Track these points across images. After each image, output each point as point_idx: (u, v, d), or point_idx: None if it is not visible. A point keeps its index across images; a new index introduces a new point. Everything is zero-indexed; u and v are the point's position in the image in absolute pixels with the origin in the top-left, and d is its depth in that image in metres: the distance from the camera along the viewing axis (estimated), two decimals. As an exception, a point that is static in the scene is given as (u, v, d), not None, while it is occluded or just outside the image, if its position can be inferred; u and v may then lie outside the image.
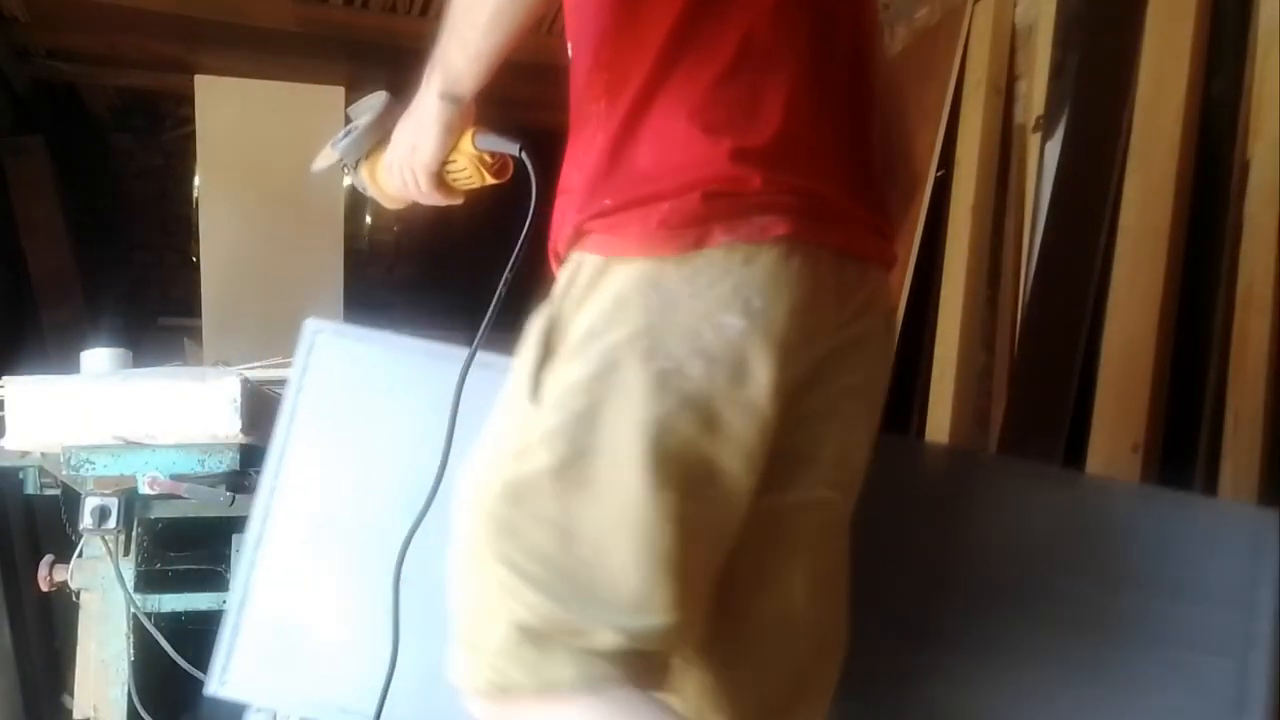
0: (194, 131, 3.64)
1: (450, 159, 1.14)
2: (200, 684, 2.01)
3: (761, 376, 0.93)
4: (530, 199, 1.13)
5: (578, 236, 1.00)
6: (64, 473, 1.82)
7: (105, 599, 2.06)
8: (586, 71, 1.05)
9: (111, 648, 2.04)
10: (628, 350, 0.92)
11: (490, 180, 1.17)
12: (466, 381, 1.17)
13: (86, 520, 1.85)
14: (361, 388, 1.48)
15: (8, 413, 1.76)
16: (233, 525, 2.15)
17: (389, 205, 1.31)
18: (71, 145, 4.68)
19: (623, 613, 0.92)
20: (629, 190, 0.96)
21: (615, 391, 0.92)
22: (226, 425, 1.72)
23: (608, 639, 0.92)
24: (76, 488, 1.85)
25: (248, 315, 3.40)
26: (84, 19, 3.68)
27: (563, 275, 1.02)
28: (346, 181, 4.18)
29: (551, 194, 1.11)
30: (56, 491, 2.03)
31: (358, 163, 1.22)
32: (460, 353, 1.19)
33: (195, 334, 3.53)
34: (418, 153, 1.14)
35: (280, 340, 3.08)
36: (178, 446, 1.77)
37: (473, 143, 1.12)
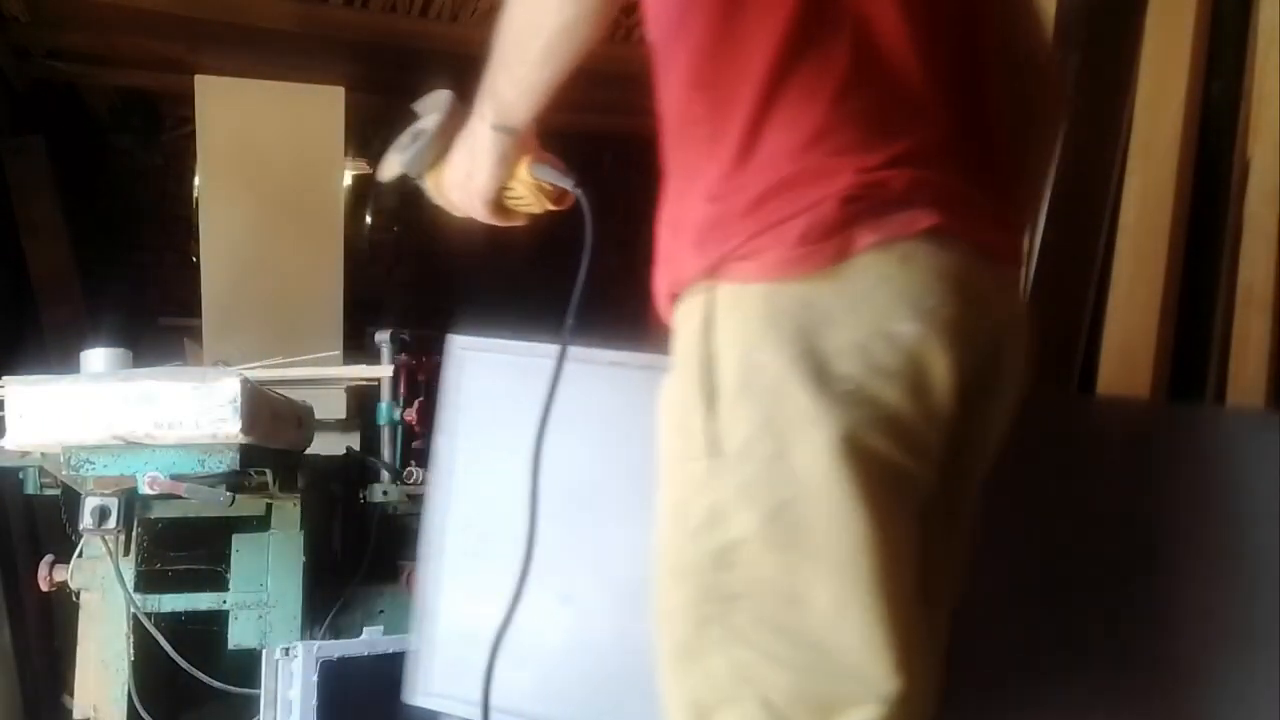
0: (194, 131, 3.63)
1: (509, 185, 1.13)
2: (200, 684, 2.02)
3: (944, 380, 0.86)
4: (585, 234, 1.15)
5: (706, 274, 0.91)
6: (64, 473, 1.82)
7: (105, 599, 2.06)
8: (683, 89, 0.99)
9: (111, 648, 2.04)
10: (795, 381, 0.84)
11: (550, 207, 1.17)
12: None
13: (86, 520, 1.85)
14: (510, 397, 1.50)
15: (8, 413, 1.76)
16: (233, 525, 2.16)
17: (457, 214, 1.25)
18: (71, 145, 4.68)
19: (875, 678, 0.84)
20: (756, 220, 0.88)
21: (797, 427, 0.84)
22: (226, 425, 1.72)
23: (866, 713, 0.84)
24: (76, 488, 1.85)
25: (248, 315, 3.40)
26: (84, 19, 3.68)
27: (693, 314, 0.92)
28: (346, 180, 4.17)
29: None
30: (56, 491, 2.03)
31: (422, 173, 1.20)
32: (599, 354, 1.15)
33: (195, 334, 3.52)
34: (473, 181, 1.12)
35: (280, 340, 3.09)
36: (178, 446, 1.77)
37: (530, 173, 1.12)
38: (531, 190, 1.13)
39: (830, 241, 0.85)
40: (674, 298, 0.97)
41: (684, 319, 0.93)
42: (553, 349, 1.30)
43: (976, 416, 0.93)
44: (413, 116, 1.20)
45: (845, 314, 0.84)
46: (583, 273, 1.14)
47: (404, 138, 1.19)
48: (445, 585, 1.47)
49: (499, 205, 1.15)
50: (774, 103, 0.89)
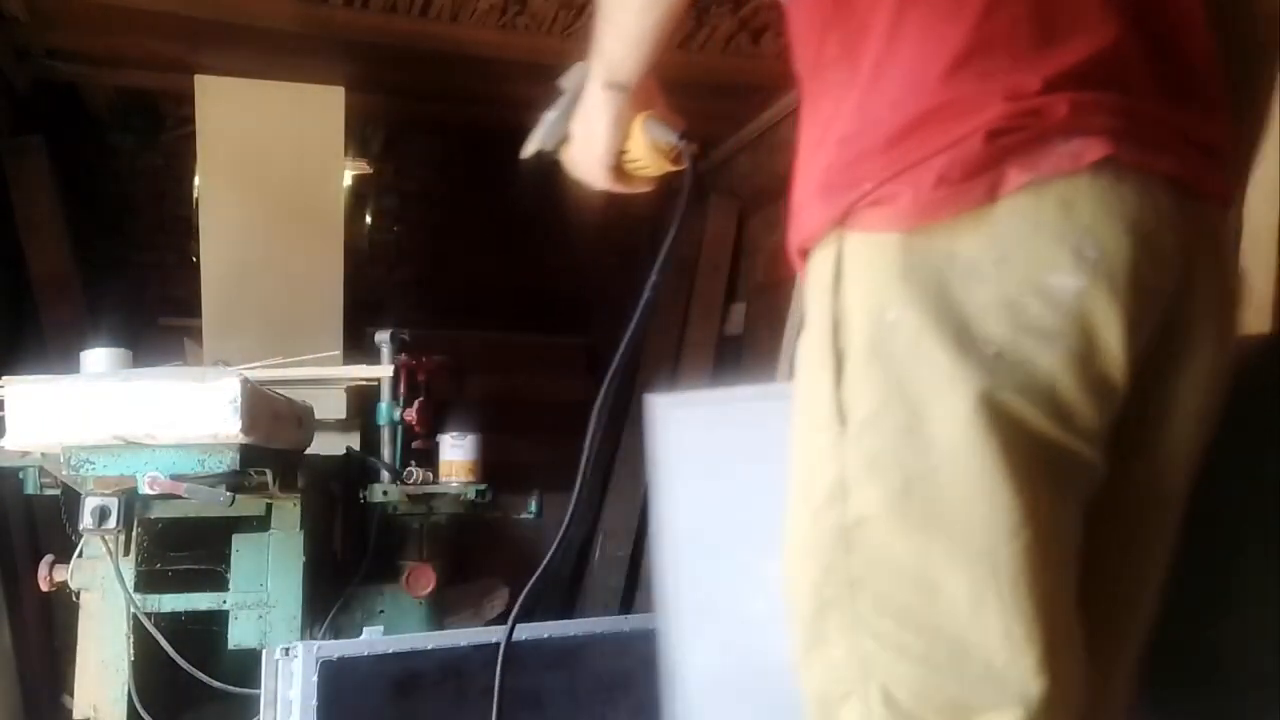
0: (194, 131, 3.63)
1: (626, 148, 1.08)
2: (200, 684, 2.02)
3: (1113, 342, 0.73)
4: (683, 191, 1.07)
5: (837, 220, 0.81)
6: (64, 473, 1.82)
7: (105, 599, 2.06)
8: (816, 32, 0.88)
9: (111, 648, 2.04)
10: (932, 342, 0.73)
11: (670, 167, 1.10)
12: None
13: (86, 520, 1.85)
14: (713, 447, 1.47)
15: (8, 413, 1.76)
16: (233, 525, 2.16)
17: (587, 185, 1.19)
18: (71, 145, 4.68)
19: (1015, 678, 0.73)
20: (890, 156, 0.77)
21: (933, 394, 0.74)
22: (226, 425, 1.72)
23: (1004, 718, 0.74)
24: (76, 488, 1.85)
25: (248, 315, 3.40)
26: (84, 19, 3.67)
27: (822, 270, 0.82)
28: (346, 180, 4.17)
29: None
30: (56, 491, 2.03)
31: (557, 146, 1.16)
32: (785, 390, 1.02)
33: (195, 334, 3.52)
34: (591, 146, 1.07)
35: (280, 340, 3.09)
36: (178, 446, 1.77)
37: (643, 130, 1.06)
38: (647, 151, 1.07)
39: (975, 182, 0.73)
40: (804, 254, 0.87)
41: (813, 276, 0.84)
42: (749, 390, 1.28)
43: (1161, 392, 0.80)
44: (557, 92, 1.14)
45: (992, 266, 0.73)
46: (678, 222, 1.08)
47: (545, 113, 1.16)
48: (688, 642, 1.45)
49: (620, 170, 1.10)
50: (909, 24, 0.78)
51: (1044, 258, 0.73)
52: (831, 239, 0.81)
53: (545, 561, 1.09)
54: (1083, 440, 0.75)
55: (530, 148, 1.18)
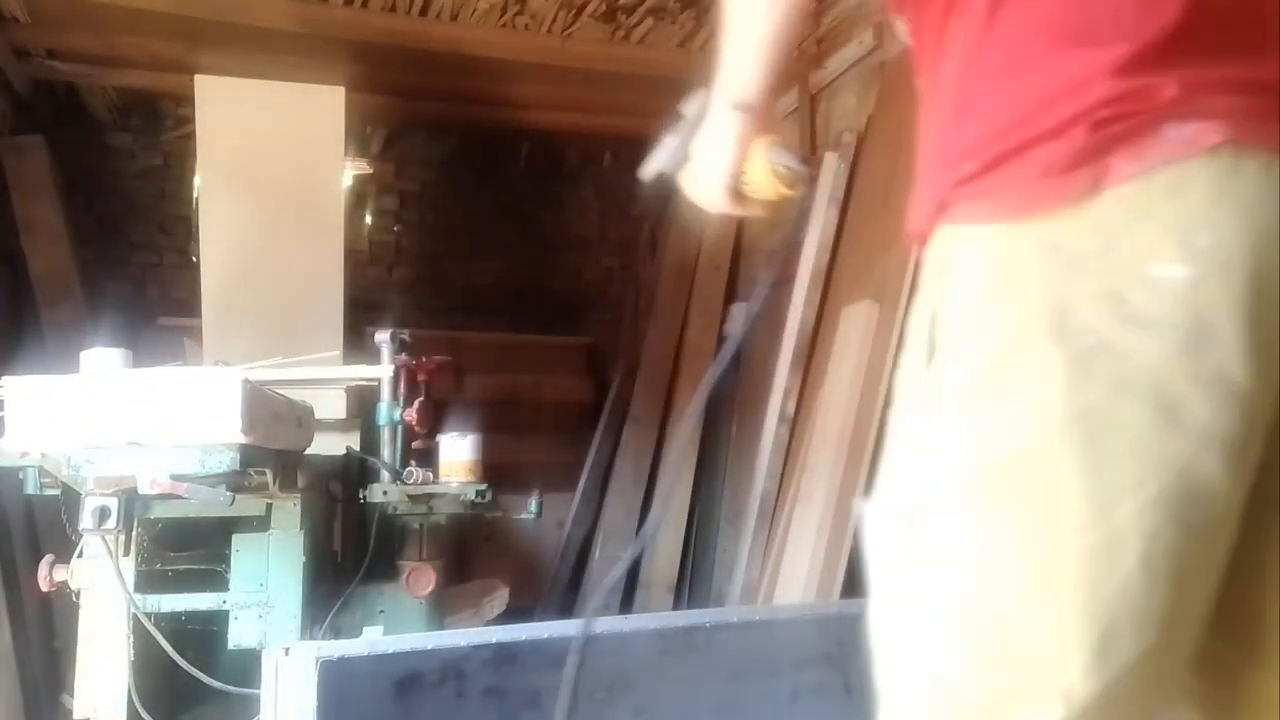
0: (194, 131, 3.63)
1: (745, 171, 1.10)
2: (200, 684, 2.02)
3: (1229, 335, 0.68)
4: (800, 216, 1.09)
5: (940, 210, 0.81)
6: (64, 473, 1.82)
7: (105, 599, 2.06)
8: (938, 5, 0.84)
9: (111, 648, 2.04)
10: (1029, 333, 0.71)
11: (785, 192, 1.10)
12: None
13: (86, 520, 1.85)
14: None
15: (7, 413, 1.76)
16: (233, 525, 2.16)
17: (705, 208, 1.20)
18: (71, 145, 4.68)
19: (1062, 675, 0.71)
20: (991, 144, 0.76)
21: (1023, 386, 0.72)
22: (226, 425, 1.72)
23: (1046, 712, 0.71)
24: (76, 488, 1.85)
25: (248, 315, 3.40)
26: (84, 19, 3.67)
27: (931, 258, 0.82)
28: (346, 180, 4.16)
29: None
30: (56, 491, 2.03)
31: (677, 170, 1.19)
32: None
33: (195, 334, 3.52)
34: (713, 168, 1.08)
35: (280, 340, 3.09)
36: (177, 447, 1.77)
37: (765, 154, 1.07)
38: (766, 175, 1.08)
39: (1079, 173, 0.71)
40: (921, 240, 0.86)
41: (924, 267, 0.84)
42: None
43: None
44: (677, 118, 1.17)
45: (1095, 257, 0.71)
46: (779, 260, 1.09)
47: (665, 138, 1.18)
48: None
49: (738, 194, 1.11)
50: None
51: (1149, 247, 0.70)
52: (942, 228, 0.81)
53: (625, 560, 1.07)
54: (1190, 440, 0.69)
55: (650, 170, 1.20)
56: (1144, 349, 0.69)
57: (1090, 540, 0.70)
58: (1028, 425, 0.72)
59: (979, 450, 0.74)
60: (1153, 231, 0.70)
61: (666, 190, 1.20)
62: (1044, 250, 0.72)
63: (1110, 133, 0.71)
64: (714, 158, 1.06)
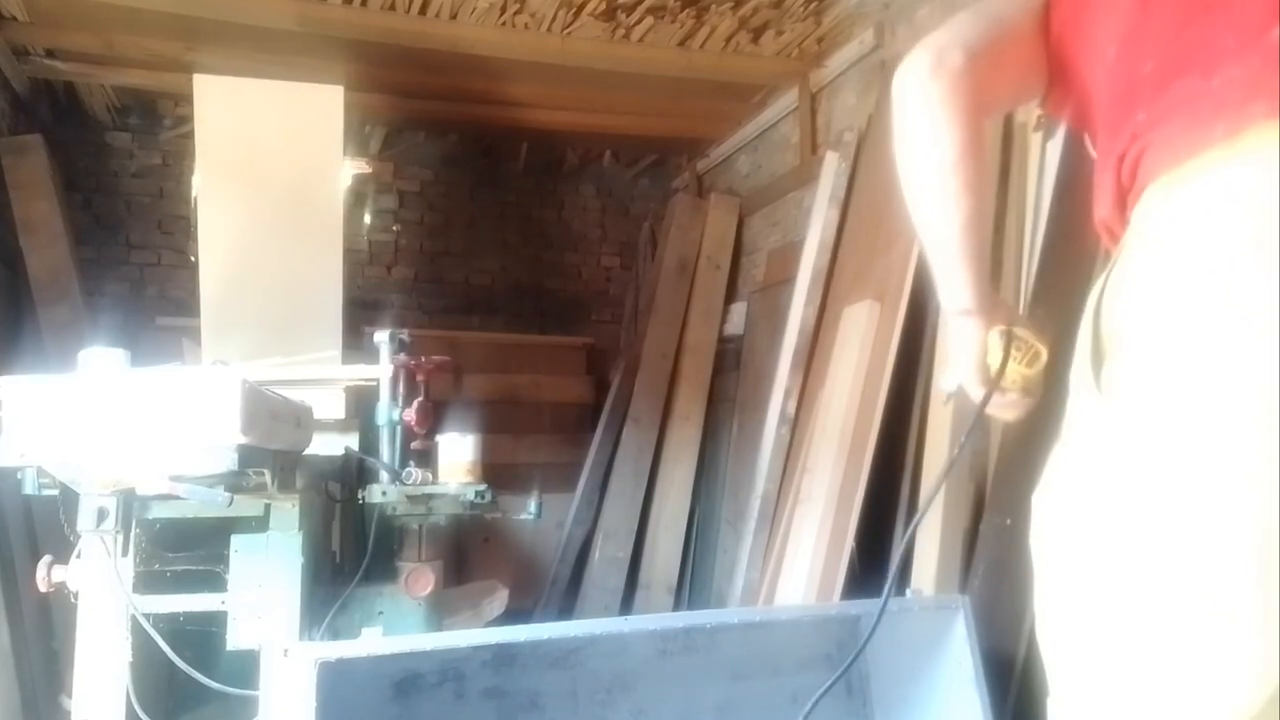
0: (193, 131, 3.62)
1: (990, 363, 1.14)
2: (199, 684, 2.01)
3: None
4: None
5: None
6: (62, 473, 1.81)
7: (103, 600, 2.05)
8: None
9: (110, 648, 2.04)
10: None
11: (1027, 372, 1.13)
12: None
13: (85, 521, 1.84)
14: None
15: (6, 413, 1.75)
16: (231, 525, 2.15)
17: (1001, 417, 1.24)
18: (70, 144, 4.68)
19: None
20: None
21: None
22: (225, 425, 1.71)
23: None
24: (75, 488, 1.84)
25: (246, 315, 3.39)
26: (83, 19, 3.67)
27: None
28: (346, 180, 4.14)
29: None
30: (55, 492, 2.02)
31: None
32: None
33: (194, 334, 3.51)
34: (965, 373, 1.15)
35: (279, 340, 3.08)
36: (176, 447, 1.76)
37: (999, 344, 1.11)
38: (1012, 364, 1.12)
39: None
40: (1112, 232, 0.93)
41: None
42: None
43: None
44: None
45: None
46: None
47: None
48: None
49: (996, 384, 1.14)
50: None
51: None
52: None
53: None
54: None
55: (948, 388, 1.25)
56: None
57: None
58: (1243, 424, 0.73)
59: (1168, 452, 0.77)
60: None
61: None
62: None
63: None
64: (962, 368, 1.14)
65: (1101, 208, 0.95)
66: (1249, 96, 0.76)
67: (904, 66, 1.06)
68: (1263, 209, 0.72)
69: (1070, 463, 0.90)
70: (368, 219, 5.31)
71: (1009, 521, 2.20)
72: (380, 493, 2.39)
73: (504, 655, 1.95)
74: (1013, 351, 1.10)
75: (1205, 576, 0.73)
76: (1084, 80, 1.00)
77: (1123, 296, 0.85)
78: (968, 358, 1.12)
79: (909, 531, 1.40)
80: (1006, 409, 1.16)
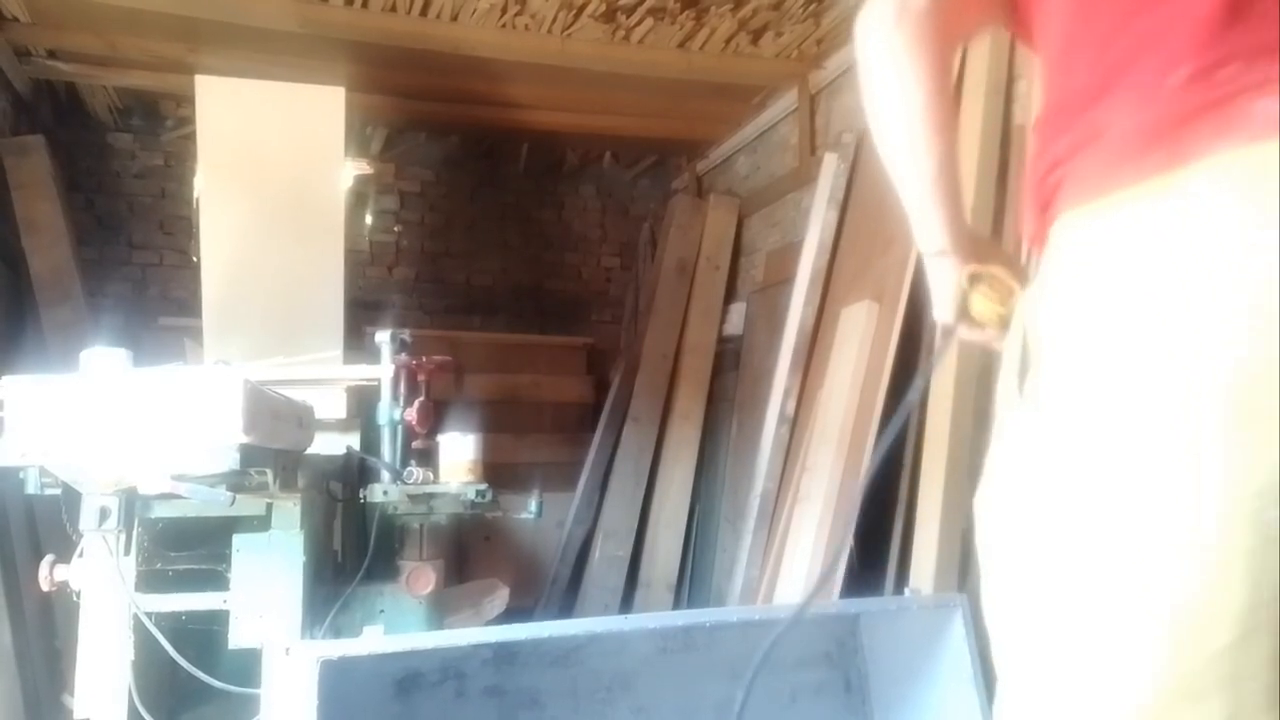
0: (194, 131, 3.63)
1: (967, 302, 1.16)
2: (200, 683, 2.02)
3: None
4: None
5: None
6: (64, 472, 1.82)
7: (106, 599, 2.06)
8: None
9: (112, 647, 2.04)
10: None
11: (1000, 310, 1.15)
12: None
13: (87, 520, 1.85)
14: None
15: (8, 413, 1.76)
16: (233, 525, 2.16)
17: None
18: (72, 145, 4.69)
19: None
20: None
21: None
22: (227, 425, 1.72)
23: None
24: (77, 488, 1.85)
25: (248, 315, 3.40)
26: (84, 19, 3.68)
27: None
28: (346, 180, 4.16)
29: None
30: (57, 491, 2.03)
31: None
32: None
33: (195, 334, 3.52)
34: (940, 310, 1.18)
35: (280, 340, 3.09)
36: (178, 446, 1.77)
37: (966, 279, 1.14)
38: (980, 300, 1.15)
39: None
40: None
41: None
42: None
43: None
44: None
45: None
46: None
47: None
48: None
49: (968, 325, 1.18)
50: None
51: None
52: None
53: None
54: None
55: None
56: None
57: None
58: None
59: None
60: None
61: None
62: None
63: None
64: (938, 302, 1.17)
65: (1027, 223, 0.99)
66: (1149, 145, 0.81)
67: (866, 14, 1.05)
68: (1153, 252, 0.79)
69: (1002, 464, 0.95)
70: (369, 220, 5.32)
71: (1007, 521, 2.21)
72: (381, 492, 2.40)
73: (504, 654, 1.96)
74: (984, 289, 1.13)
75: (1126, 565, 0.78)
76: (1042, 31, 1.00)
77: (1043, 312, 0.89)
78: (944, 296, 1.15)
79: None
80: (987, 342, 1.20)
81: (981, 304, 1.14)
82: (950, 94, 1.05)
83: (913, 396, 1.23)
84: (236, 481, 1.86)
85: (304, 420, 2.15)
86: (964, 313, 1.16)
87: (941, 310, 1.17)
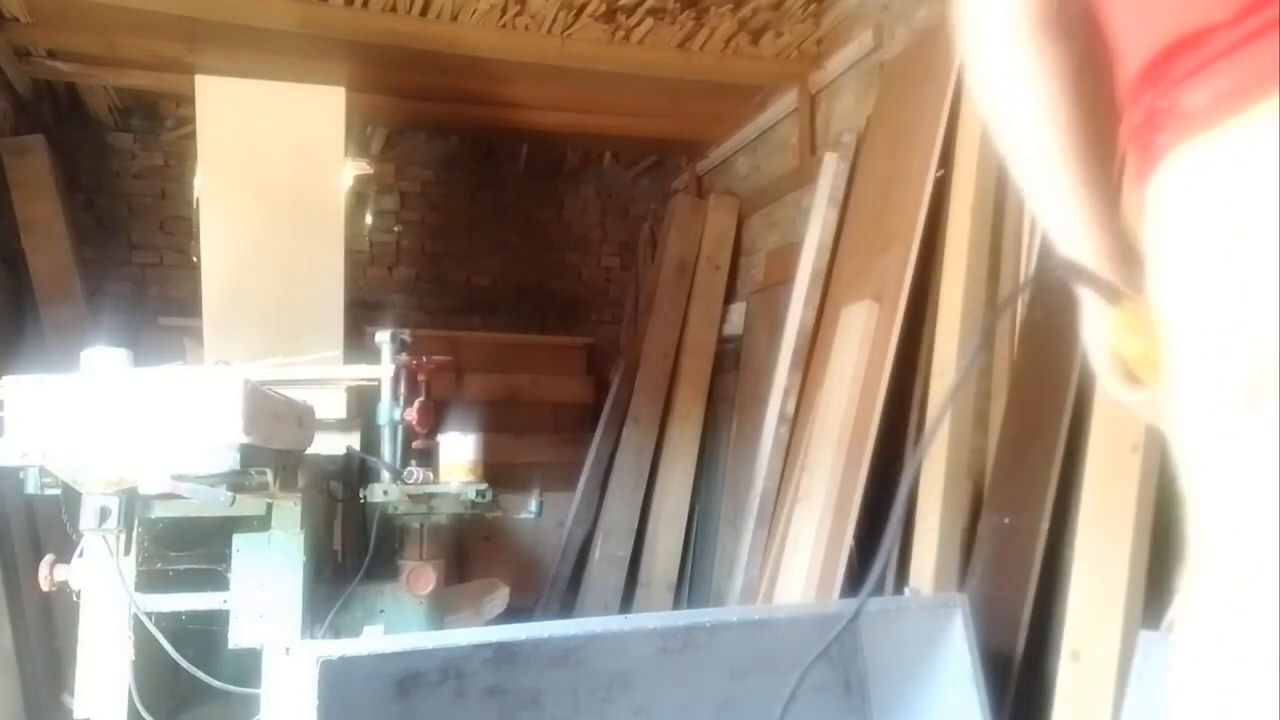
0: (194, 131, 3.63)
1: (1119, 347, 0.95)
2: (200, 683, 2.02)
3: None
4: None
5: None
6: (64, 472, 1.82)
7: (106, 599, 2.06)
8: None
9: (112, 647, 2.05)
10: None
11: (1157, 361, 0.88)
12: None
13: (87, 520, 1.85)
14: None
15: (8, 412, 1.76)
16: (233, 525, 2.16)
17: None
18: (72, 145, 4.69)
19: None
20: None
21: None
22: (227, 425, 1.72)
23: None
24: (77, 488, 1.85)
25: (248, 315, 3.40)
26: (84, 19, 3.68)
27: None
28: (347, 180, 4.16)
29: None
30: (57, 491, 2.03)
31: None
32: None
33: (195, 334, 3.52)
34: (1091, 355, 0.99)
35: (280, 340, 3.09)
36: (178, 446, 1.77)
37: (1119, 321, 0.92)
38: (1134, 342, 0.92)
39: None
40: None
41: None
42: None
43: None
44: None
45: None
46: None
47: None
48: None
49: (1125, 375, 0.96)
50: None
51: None
52: None
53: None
54: None
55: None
56: None
57: None
58: None
59: None
60: None
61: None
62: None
63: None
64: (1089, 348, 0.99)
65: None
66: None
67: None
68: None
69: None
70: (369, 220, 5.32)
71: (1007, 520, 2.21)
72: (382, 492, 2.40)
73: (505, 653, 1.96)
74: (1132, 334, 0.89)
75: None
76: None
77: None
78: (1086, 336, 0.96)
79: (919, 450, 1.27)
80: (1152, 409, 0.92)
81: (1139, 353, 0.91)
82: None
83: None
84: (236, 481, 1.86)
85: (304, 420, 2.15)
86: (1128, 355, 0.93)
87: (1091, 353, 0.96)
